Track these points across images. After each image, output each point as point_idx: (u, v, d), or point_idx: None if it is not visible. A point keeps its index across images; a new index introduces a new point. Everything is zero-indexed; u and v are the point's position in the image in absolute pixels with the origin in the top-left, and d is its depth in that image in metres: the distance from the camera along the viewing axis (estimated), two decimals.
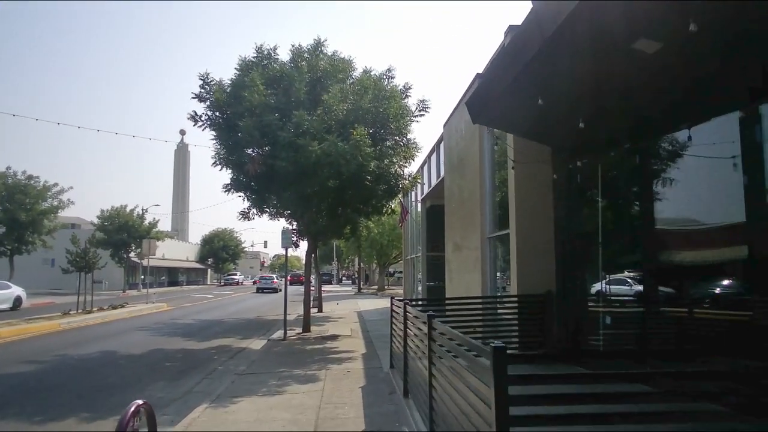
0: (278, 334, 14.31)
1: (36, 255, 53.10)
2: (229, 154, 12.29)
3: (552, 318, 8.68)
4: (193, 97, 13.09)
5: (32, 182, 31.28)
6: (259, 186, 12.95)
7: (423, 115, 13.26)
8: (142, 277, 57.01)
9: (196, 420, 6.33)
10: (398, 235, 37.75)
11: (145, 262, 50.54)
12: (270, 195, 13.33)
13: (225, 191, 13.89)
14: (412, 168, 15.07)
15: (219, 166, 12.90)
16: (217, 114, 12.98)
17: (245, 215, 15.04)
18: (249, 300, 34.91)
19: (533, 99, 7.27)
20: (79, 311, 19.75)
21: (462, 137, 13.34)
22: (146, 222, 47.81)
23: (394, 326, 8.68)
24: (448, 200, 15.20)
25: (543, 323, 8.75)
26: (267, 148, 12.33)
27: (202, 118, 13.04)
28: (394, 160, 13.34)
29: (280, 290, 52.76)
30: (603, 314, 7.99)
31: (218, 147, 12.85)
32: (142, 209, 48.45)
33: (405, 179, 13.93)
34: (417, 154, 13.99)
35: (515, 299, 9.08)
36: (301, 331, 14.54)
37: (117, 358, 11.41)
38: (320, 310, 22.36)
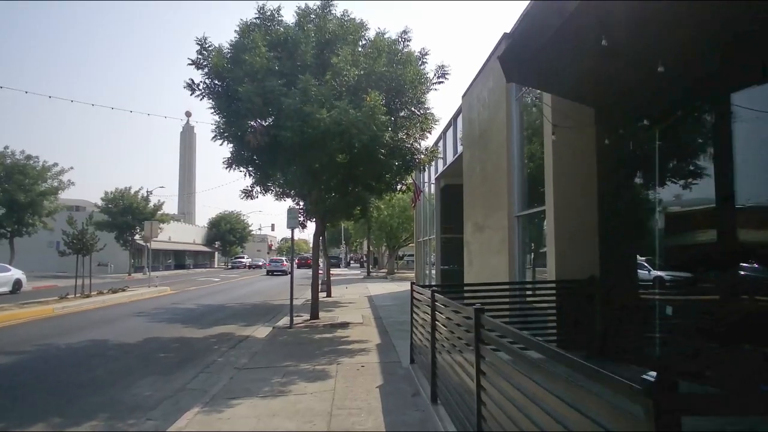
0: (284, 320, 13.29)
1: (41, 237, 52.53)
2: (229, 126, 11.13)
3: (597, 308, 7.55)
4: (190, 64, 11.89)
5: (31, 162, 30.28)
6: (262, 160, 11.82)
7: (442, 82, 12.04)
8: (149, 260, 56.50)
9: (184, 430, 5.28)
10: (408, 217, 36.64)
11: (149, 245, 49.82)
12: (274, 170, 12.18)
13: (226, 167, 12.78)
14: (428, 142, 13.87)
15: (219, 140, 11.78)
16: (216, 82, 11.81)
17: (248, 194, 13.93)
18: (256, 283, 34.02)
19: (579, 51, 6.09)
20: (77, 295, 18.85)
21: (485, 106, 12.11)
22: (151, 204, 46.90)
23: (415, 316, 7.59)
24: (468, 177, 14.01)
25: (586, 313, 7.62)
26: (270, 119, 11.17)
27: (200, 87, 11.86)
28: (410, 132, 12.16)
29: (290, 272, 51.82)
30: (660, 304, 6.85)
31: (218, 119, 11.72)
32: (147, 191, 47.59)
33: (421, 153, 12.73)
34: (434, 126, 12.79)
35: (552, 286, 7.94)
36: (308, 317, 13.51)
37: (107, 348, 10.42)
38: (329, 295, 21.35)
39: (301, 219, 14.33)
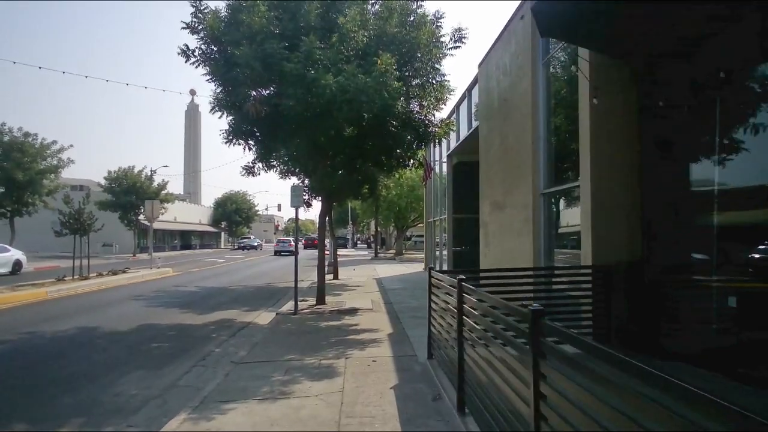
0: (289, 306, 12.47)
1: (44, 217, 51.93)
2: (227, 95, 10.17)
3: (642, 297, 6.64)
4: (184, 28, 10.89)
5: (30, 140, 29.41)
6: (263, 133, 10.87)
7: (458, 47, 10.96)
8: (154, 240, 55.96)
9: None
10: (417, 197, 35.69)
11: (152, 225, 49.18)
12: (276, 145, 11.23)
13: (225, 141, 11.85)
14: (441, 115, 12.84)
15: (218, 113, 10.86)
16: (213, 47, 10.81)
17: (249, 170, 13.01)
18: (262, 264, 33.32)
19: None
20: (75, 277, 18.15)
21: (506, 74, 11.07)
22: (155, 183, 46.14)
23: (434, 305, 6.71)
24: (485, 152, 13.01)
25: (629, 303, 6.71)
26: (271, 88, 10.21)
27: (195, 53, 10.88)
28: (424, 103, 11.17)
29: (298, 253, 51.38)
30: (719, 293, 5.92)
31: (215, 88, 10.77)
32: (151, 170, 46.81)
33: (436, 126, 11.72)
34: (450, 96, 11.77)
35: (588, 271, 7.02)
36: (314, 302, 12.69)
37: (97, 336, 9.64)
38: (336, 277, 20.55)
39: (306, 198, 13.43)
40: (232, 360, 7.53)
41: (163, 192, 46.45)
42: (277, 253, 49.89)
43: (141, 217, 46.41)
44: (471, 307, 4.58)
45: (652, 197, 6.83)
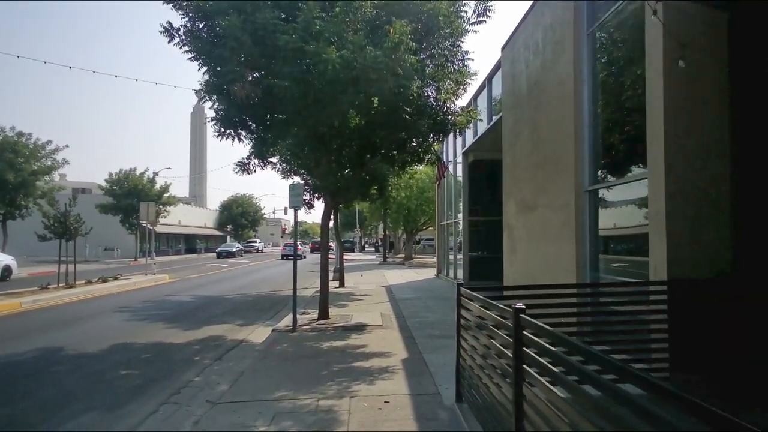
0: (288, 320, 10.97)
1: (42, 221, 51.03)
2: (213, 77, 8.69)
3: (734, 321, 5.06)
4: (167, 2, 9.44)
5: (23, 140, 28.12)
6: (256, 122, 9.37)
7: (483, 21, 9.41)
8: (157, 244, 54.70)
9: None
10: (427, 199, 34.15)
11: (156, 228, 47.91)
12: (271, 136, 9.72)
13: (216, 135, 10.42)
14: (460, 103, 11.28)
15: (206, 100, 9.41)
16: (199, 25, 9.34)
17: (244, 167, 11.53)
18: (266, 270, 31.84)
19: None
20: (60, 285, 16.76)
21: (538, 53, 9.52)
22: (157, 186, 44.89)
23: (465, 334, 5.17)
24: (510, 146, 11.47)
25: (721, 330, 5.13)
26: (265, 67, 8.71)
27: (180, 32, 9.40)
28: (442, 87, 9.65)
29: (305, 257, 50.62)
30: None
31: (203, 72, 9.30)
32: (153, 172, 45.54)
33: (456, 115, 10.20)
34: (471, 81, 10.24)
35: (662, 288, 5.44)
36: (316, 317, 11.16)
37: (57, 361, 8.15)
38: (342, 285, 19.04)
39: (307, 198, 11.92)
40: (208, 399, 6.00)
41: (165, 195, 45.17)
42: (285, 257, 48.67)
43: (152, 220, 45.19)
44: (535, 353, 3.04)
45: (750, 191, 5.26)
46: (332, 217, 19.46)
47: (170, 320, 12.06)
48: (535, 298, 5.41)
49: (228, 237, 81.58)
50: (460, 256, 19.27)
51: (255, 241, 74.68)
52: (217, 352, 8.80)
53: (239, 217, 76.47)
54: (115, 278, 19.88)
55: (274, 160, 12.21)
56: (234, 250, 55.89)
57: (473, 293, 4.82)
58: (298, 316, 11.79)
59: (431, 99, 9.52)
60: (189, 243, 66.74)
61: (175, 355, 8.64)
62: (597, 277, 7.56)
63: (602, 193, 7.62)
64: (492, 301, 4.28)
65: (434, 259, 37.75)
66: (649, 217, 5.78)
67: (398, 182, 18.55)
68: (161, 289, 19.21)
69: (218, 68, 8.67)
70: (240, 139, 9.70)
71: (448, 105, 9.74)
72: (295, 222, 10.59)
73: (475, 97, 16.30)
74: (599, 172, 7.59)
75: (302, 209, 11.98)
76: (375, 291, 17.69)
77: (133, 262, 41.29)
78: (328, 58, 7.25)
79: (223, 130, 9.75)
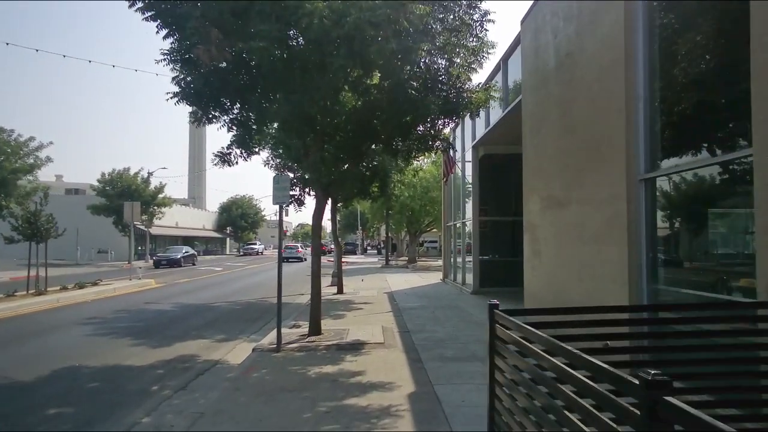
0: (273, 335, 9.38)
1: None
2: (176, 40, 7.10)
3: None
4: None
5: (4, 136, 26.55)
6: (230, 96, 7.75)
7: None
8: (152, 245, 53.13)
9: None
10: (432, 199, 32.50)
11: (151, 230, 46.47)
12: (251, 116, 8.11)
13: (193, 121, 8.86)
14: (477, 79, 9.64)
15: (174, 69, 7.83)
16: None
17: (224, 158, 9.92)
18: (261, 273, 30.25)
19: None
20: (29, 292, 15.19)
21: (570, 18, 7.90)
22: (152, 186, 43.34)
23: (499, 367, 3.55)
24: (533, 133, 9.86)
25: None
26: (236, 26, 7.12)
27: None
28: (456, 59, 8.04)
29: (306, 259, 48.91)
30: None
31: (163, 37, 7.71)
32: (148, 172, 44.02)
33: (474, 92, 8.58)
34: (490, 54, 8.61)
35: None
36: (307, 332, 9.55)
37: None
38: (340, 291, 17.42)
39: (297, 193, 10.29)
40: None
41: (160, 195, 43.64)
42: (285, 259, 47.10)
43: (137, 222, 43.67)
44: None
45: None
46: (330, 216, 17.92)
47: (139, 334, 10.47)
48: (590, 326, 3.77)
49: (228, 239, 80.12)
50: (468, 259, 17.65)
51: (255, 244, 73.30)
52: (183, 379, 7.21)
53: (239, 219, 74.88)
54: (94, 284, 18.30)
55: (260, 150, 10.53)
56: (179, 256, 40.70)
57: (522, 324, 3.21)
58: (286, 330, 10.21)
59: (442, 72, 7.90)
60: (187, 245, 65.01)
61: (130, 384, 7.05)
62: (657, 290, 5.94)
63: (663, 183, 6.00)
64: (559, 342, 2.67)
65: (439, 262, 36.06)
66: (759, 212, 4.15)
67: (401, 179, 16.92)
68: (143, 295, 17.61)
69: (181, 29, 7.08)
70: (209, 120, 8.09)
71: (462, 80, 8.10)
72: (280, 220, 8.96)
73: (488, 82, 14.67)
74: (660, 156, 5.96)
75: (291, 206, 10.37)
76: (376, 298, 16.06)
77: (126, 265, 39.71)
78: (314, 10, 5.65)
79: (194, 110, 8.15)
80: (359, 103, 8.44)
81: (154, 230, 49.88)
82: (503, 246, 17.47)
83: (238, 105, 7.68)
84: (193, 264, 41.24)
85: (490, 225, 16.90)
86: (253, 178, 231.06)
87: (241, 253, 70.63)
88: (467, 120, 17.12)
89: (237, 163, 10.25)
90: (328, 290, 18.51)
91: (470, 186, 16.76)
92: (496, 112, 14.22)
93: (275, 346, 8.49)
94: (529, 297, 10.09)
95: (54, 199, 50.73)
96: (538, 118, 9.51)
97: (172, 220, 58.03)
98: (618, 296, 6.30)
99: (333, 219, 17.58)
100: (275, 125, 10.24)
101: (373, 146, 9.51)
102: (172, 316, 13.11)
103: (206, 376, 7.47)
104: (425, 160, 33.33)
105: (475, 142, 16.28)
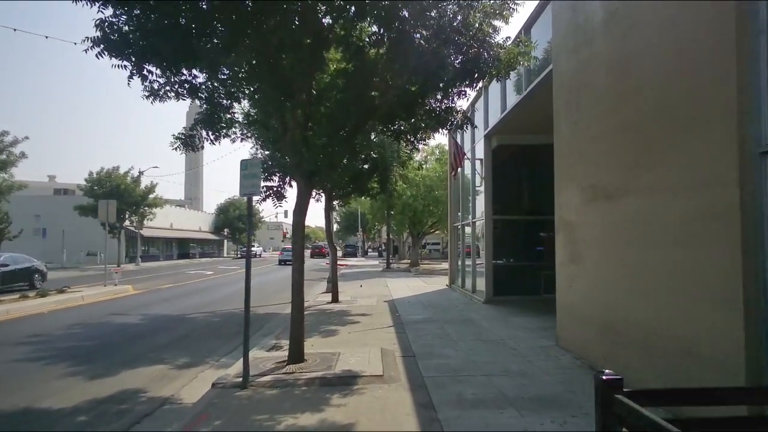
0: (253, 357, 7.44)
1: (26, 225, 47.59)
2: None
3: None
4: None
5: None
6: (165, 40, 5.69)
7: None
8: (144, 247, 51.22)
9: None
10: (436, 199, 30.54)
11: (143, 232, 44.43)
12: (210, 77, 6.14)
13: (147, 95, 6.93)
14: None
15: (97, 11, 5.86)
16: None
17: (187, 141, 8.00)
18: (255, 278, 28.02)
19: None
20: None
21: None
22: (142, 186, 41.37)
23: None
24: (570, 108, 7.89)
25: None
26: None
27: None
28: (477, 3, 6.08)
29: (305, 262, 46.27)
30: None
31: None
32: (139, 171, 42.08)
33: (502, 47, 6.61)
34: (518, 6, 6.64)
35: None
36: (286, 358, 7.56)
37: None
38: (335, 299, 15.43)
39: (276, 183, 8.30)
40: None
41: (151, 195, 41.65)
42: (282, 262, 45.51)
43: (126, 223, 41.77)
44: None
45: None
46: (325, 215, 15.92)
47: (83, 358, 8.52)
48: None
49: (225, 241, 78.18)
50: (479, 262, 15.68)
51: (253, 246, 71.28)
52: None
53: (236, 221, 72.90)
54: (60, 291, 16.35)
55: (231, 131, 8.57)
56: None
57: None
58: (263, 353, 8.26)
59: (459, 20, 5.93)
60: (182, 248, 63.18)
61: None
62: None
63: None
64: None
65: (443, 265, 34.07)
66: None
67: (404, 172, 14.94)
68: (113, 305, 15.62)
69: None
70: (144, 78, 6.08)
71: (486, 30, 6.11)
72: (249, 218, 6.99)
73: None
74: None
75: (269, 201, 8.41)
76: (375, 308, 14.07)
77: (114, 268, 37.73)
78: None
79: (110, 57, 6.13)
80: (350, 65, 6.48)
81: (146, 232, 47.95)
82: (519, 249, 15.49)
83: (180, 54, 5.64)
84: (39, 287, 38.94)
85: (505, 225, 14.91)
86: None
87: (239, 256, 68.71)
88: (478, 105, 15.17)
89: (203, 147, 8.34)
90: (321, 298, 16.54)
91: (479, 187, 14.78)
92: (511, 97, 12.27)
93: (241, 380, 6.51)
94: (564, 312, 8.11)
95: (42, 200, 49.01)
96: (577, 88, 7.54)
97: (166, 222, 56.09)
98: (719, 322, 4.34)
99: (327, 217, 15.60)
100: (249, 101, 8.29)
101: (370, 125, 7.51)
102: (136, 332, 11.15)
103: (143, 425, 5.52)
104: (430, 157, 31.38)
105: (487, 131, 14.30)
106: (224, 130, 8.22)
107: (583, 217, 7.36)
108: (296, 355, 7.38)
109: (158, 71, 6.00)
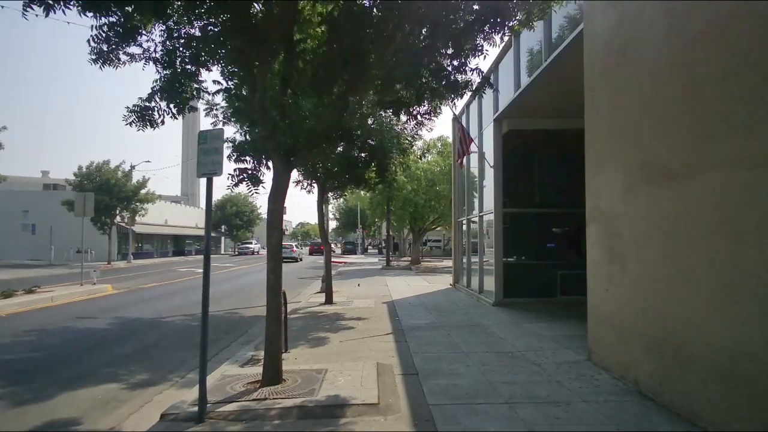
0: (223, 373, 6.05)
1: (14, 221, 46.20)
2: None
3: None
4: None
5: None
6: None
7: None
8: (138, 244, 49.82)
9: None
10: (437, 194, 29.13)
11: (135, 228, 43.03)
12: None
13: (92, 57, 5.58)
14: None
15: None
16: None
17: (142, 114, 6.59)
18: (246, 276, 26.84)
19: None
20: None
21: None
22: (134, 181, 39.93)
23: None
24: (606, 71, 6.45)
25: None
26: None
27: None
28: None
29: (301, 259, 45.24)
30: None
31: None
32: (130, 165, 40.64)
33: None
34: None
35: None
36: (260, 378, 6.14)
37: None
38: (329, 301, 14.02)
39: (251, 165, 6.83)
40: None
41: (143, 191, 40.20)
42: None
43: (117, 219, 40.31)
44: None
45: None
46: (318, 208, 14.51)
47: (19, 375, 7.14)
48: None
49: (222, 238, 76.85)
50: (486, 260, 14.28)
51: (250, 243, 70.27)
52: None
53: (233, 217, 71.53)
54: (30, 291, 14.93)
55: (197, 99, 7.17)
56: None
57: None
58: (236, 368, 6.89)
59: None
60: (178, 244, 61.84)
61: None
62: None
63: None
64: None
65: (445, 263, 32.58)
66: None
67: (404, 160, 13.50)
68: (84, 306, 14.21)
69: None
70: (50, 7, 4.65)
71: None
72: (208, 199, 5.59)
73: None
74: None
75: (242, 187, 6.96)
76: (373, 311, 12.66)
77: (104, 266, 36.39)
78: None
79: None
80: (336, 9, 5.06)
81: (139, 228, 46.57)
82: (532, 246, 14.08)
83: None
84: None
85: (516, 219, 13.49)
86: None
87: (236, 253, 67.34)
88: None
89: (163, 122, 6.89)
90: (315, 299, 15.13)
91: (482, 182, 13.34)
92: (525, 76, 10.84)
93: (197, 409, 5.10)
94: (599, 322, 6.68)
95: (31, 196, 47.45)
96: (620, 46, 6.10)
97: (161, 218, 54.70)
98: None
99: (320, 211, 14.19)
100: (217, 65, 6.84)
101: (362, 84, 6.06)
102: (97, 340, 9.75)
103: None
104: (432, 150, 29.87)
105: (497, 114, 12.86)
106: (190, 102, 6.81)
107: (627, 205, 5.93)
108: (272, 375, 5.96)
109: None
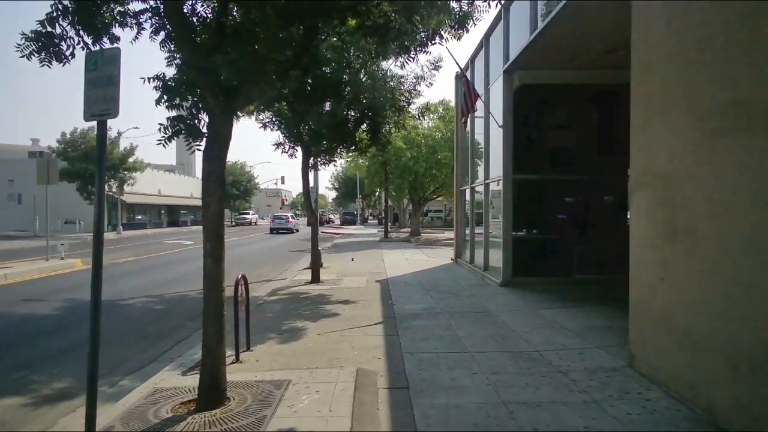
0: (153, 388, 4.51)
1: (0, 190, 44.56)
2: None
3: None
4: None
5: None
6: None
7: None
8: (130, 215, 48.23)
9: None
10: (438, 162, 27.37)
11: (125, 198, 40.69)
12: None
13: None
14: None
15: None
16: None
17: (41, 39, 4.86)
18: (237, 248, 25.30)
19: None
20: None
21: None
22: (120, 148, 38.12)
23: None
24: None
25: None
26: None
27: None
28: None
29: (297, 230, 43.53)
30: None
31: None
32: (117, 132, 38.77)
33: None
34: None
35: None
36: (204, 395, 4.55)
37: None
38: (315, 279, 12.46)
39: (185, 112, 5.10)
40: None
41: (130, 159, 38.45)
42: (273, 231, 42.99)
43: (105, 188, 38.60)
44: None
45: None
46: (302, 175, 12.79)
47: None
48: None
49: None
50: (492, 233, 12.67)
51: (248, 213, 69.05)
52: None
53: (230, 187, 69.46)
54: None
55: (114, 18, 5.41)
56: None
57: None
58: (175, 376, 5.32)
59: None
60: (172, 215, 60.29)
61: None
62: None
63: None
64: None
65: (446, 235, 30.94)
66: None
67: (400, 119, 11.73)
68: (39, 285, 12.68)
69: None
70: None
71: None
72: (101, 155, 3.95)
73: None
74: None
75: (174, 141, 5.26)
76: (364, 292, 11.11)
77: (89, 238, 34.85)
78: None
79: None
80: None
81: (130, 198, 44.90)
82: (545, 218, 12.43)
83: None
84: None
85: (528, 187, 11.82)
86: (247, 143, 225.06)
87: (233, 224, 65.81)
88: (496, 33, 11.88)
89: (73, 55, 5.15)
90: (301, 276, 13.57)
91: (489, 147, 11.58)
92: (536, 21, 9.02)
93: None
94: (649, 319, 5.07)
95: (17, 164, 45.66)
96: None
97: (153, 187, 52.98)
98: None
99: (305, 178, 12.52)
100: None
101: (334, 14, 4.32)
102: (34, 329, 8.24)
103: None
104: (432, 114, 27.89)
105: (507, 65, 11.03)
106: (111, 29, 5.07)
107: (700, 164, 4.25)
108: (210, 396, 4.39)
109: None
